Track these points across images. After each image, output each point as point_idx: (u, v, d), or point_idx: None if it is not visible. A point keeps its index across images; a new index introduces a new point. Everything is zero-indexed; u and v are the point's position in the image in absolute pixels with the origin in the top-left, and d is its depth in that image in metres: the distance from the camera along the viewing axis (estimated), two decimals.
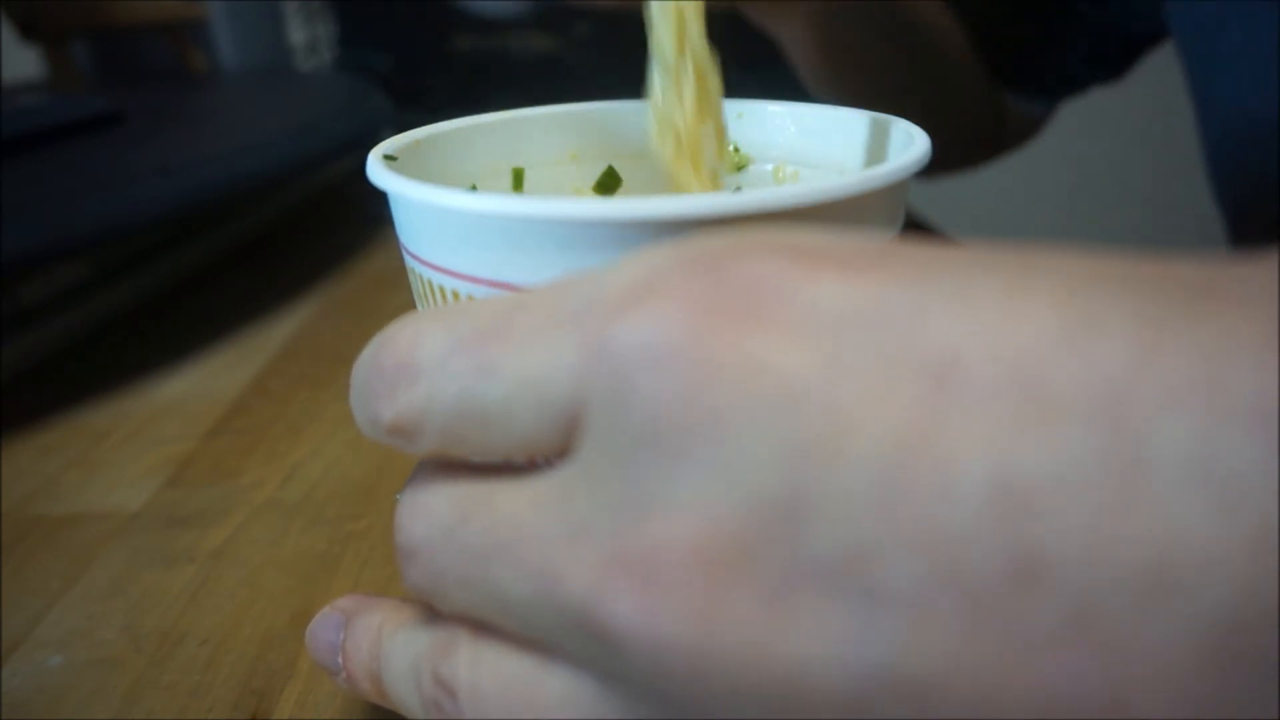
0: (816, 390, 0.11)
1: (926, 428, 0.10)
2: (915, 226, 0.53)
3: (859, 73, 0.45)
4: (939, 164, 0.57)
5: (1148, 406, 0.09)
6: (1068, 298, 0.10)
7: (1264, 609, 0.09)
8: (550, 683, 0.13)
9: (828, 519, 0.10)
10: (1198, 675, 0.09)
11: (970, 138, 0.52)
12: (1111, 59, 0.48)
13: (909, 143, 0.19)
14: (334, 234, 0.58)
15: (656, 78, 0.21)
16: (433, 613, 0.16)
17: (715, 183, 0.21)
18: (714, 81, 0.21)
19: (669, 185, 0.21)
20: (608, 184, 0.25)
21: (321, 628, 0.17)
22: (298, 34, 0.87)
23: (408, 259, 0.19)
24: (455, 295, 0.17)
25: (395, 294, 0.47)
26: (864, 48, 0.44)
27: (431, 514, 0.14)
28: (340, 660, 0.17)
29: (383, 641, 0.16)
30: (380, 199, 0.18)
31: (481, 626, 0.14)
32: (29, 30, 0.68)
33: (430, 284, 0.18)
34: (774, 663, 0.10)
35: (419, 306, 0.19)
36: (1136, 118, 1.45)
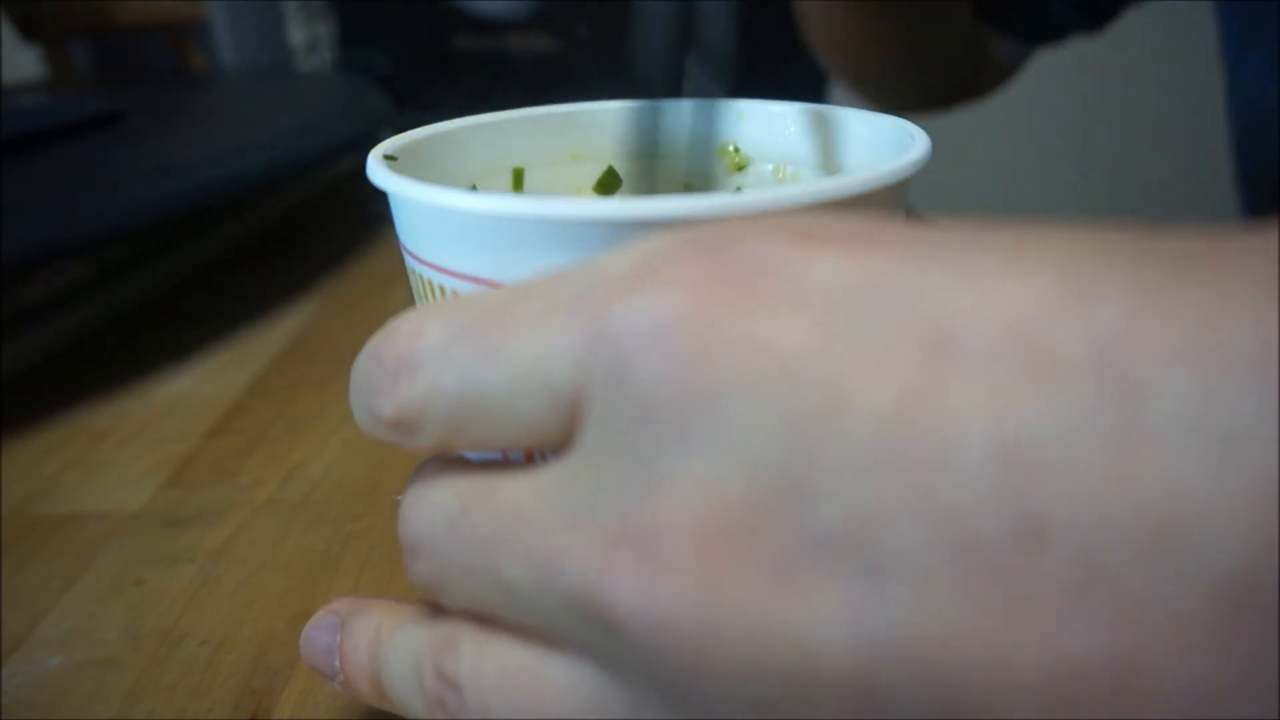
0: (814, 363, 0.11)
1: (925, 394, 0.10)
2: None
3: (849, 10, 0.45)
4: (915, 102, 0.57)
5: (1148, 364, 0.09)
6: (1066, 265, 0.10)
7: (1270, 563, 0.08)
8: (554, 673, 0.13)
9: (829, 491, 0.10)
10: (1207, 632, 0.09)
11: (949, 79, 0.52)
12: (1096, 8, 0.48)
13: (909, 142, 0.19)
14: (334, 234, 0.58)
15: None
16: (432, 611, 0.15)
17: None
18: None
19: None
20: (608, 184, 0.25)
21: (316, 631, 0.17)
22: (298, 34, 0.87)
23: (407, 258, 0.19)
24: (455, 294, 0.17)
25: (395, 294, 0.47)
26: None
27: (435, 507, 0.14)
28: (337, 664, 0.17)
29: (381, 642, 0.16)
30: (380, 199, 0.18)
31: (485, 620, 0.14)
32: (29, 30, 0.68)
33: (430, 283, 0.18)
34: (779, 638, 0.10)
35: (418, 306, 0.19)
36: (1135, 116, 1.45)
